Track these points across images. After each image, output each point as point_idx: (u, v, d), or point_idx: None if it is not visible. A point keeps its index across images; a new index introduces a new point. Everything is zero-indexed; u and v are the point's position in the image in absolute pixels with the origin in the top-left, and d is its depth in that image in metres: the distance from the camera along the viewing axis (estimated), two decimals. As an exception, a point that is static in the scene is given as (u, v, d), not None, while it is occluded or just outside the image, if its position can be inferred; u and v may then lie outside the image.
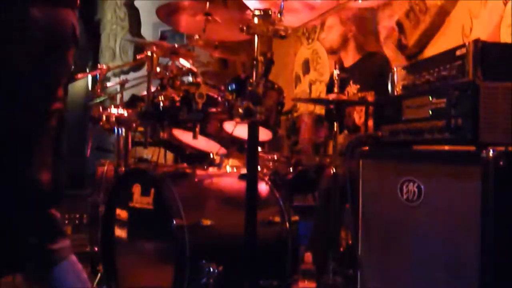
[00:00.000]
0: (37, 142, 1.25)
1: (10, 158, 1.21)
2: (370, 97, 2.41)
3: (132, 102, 2.75)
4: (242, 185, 2.10)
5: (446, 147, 1.60)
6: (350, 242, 2.34)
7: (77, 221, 4.15)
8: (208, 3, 2.45)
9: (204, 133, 2.45)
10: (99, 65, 3.25)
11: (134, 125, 2.74)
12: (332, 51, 3.15)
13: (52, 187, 1.28)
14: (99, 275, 2.77)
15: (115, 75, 5.69)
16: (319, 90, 4.21)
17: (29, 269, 1.28)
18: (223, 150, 2.54)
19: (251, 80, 1.65)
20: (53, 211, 1.28)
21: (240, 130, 2.35)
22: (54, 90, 1.29)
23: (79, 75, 3.46)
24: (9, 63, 1.18)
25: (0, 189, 1.20)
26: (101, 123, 2.82)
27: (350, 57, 3.05)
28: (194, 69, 2.56)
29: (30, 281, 1.31)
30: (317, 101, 3.21)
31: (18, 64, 1.19)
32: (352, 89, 2.89)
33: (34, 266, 1.27)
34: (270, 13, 1.62)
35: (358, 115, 2.71)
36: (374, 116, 1.95)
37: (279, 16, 1.64)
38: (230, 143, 2.55)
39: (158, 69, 2.53)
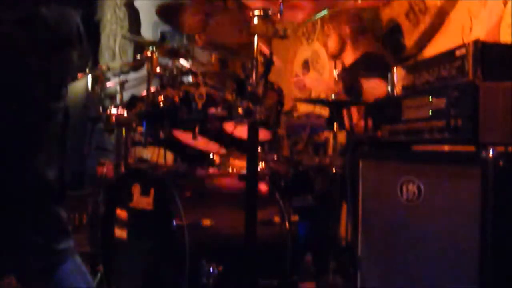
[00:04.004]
0: (44, 139, 1.26)
1: (17, 154, 1.21)
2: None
3: (132, 102, 2.75)
4: (242, 185, 2.11)
5: (446, 147, 1.60)
6: (350, 242, 2.34)
7: (77, 221, 4.15)
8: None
9: (204, 133, 2.44)
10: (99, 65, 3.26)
11: (134, 125, 2.73)
12: (333, 56, 3.19)
13: (58, 184, 1.28)
14: (99, 275, 2.77)
15: (114, 75, 5.68)
16: (319, 90, 4.21)
17: (32, 269, 1.28)
18: (223, 150, 2.54)
19: (251, 80, 1.66)
20: (58, 210, 1.28)
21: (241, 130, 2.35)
22: (60, 88, 1.30)
23: (79, 75, 3.45)
24: (17, 61, 1.18)
25: (7, 184, 1.20)
26: (101, 123, 2.82)
27: (348, 57, 3.09)
28: (194, 69, 2.56)
29: (32, 282, 1.31)
30: (317, 101, 3.21)
31: (26, 61, 1.20)
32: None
33: (37, 266, 1.27)
34: (270, 13, 1.63)
35: (347, 118, 2.75)
36: (368, 117, 1.94)
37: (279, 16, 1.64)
38: (230, 143, 2.55)
39: (158, 69, 2.53)
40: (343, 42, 3.09)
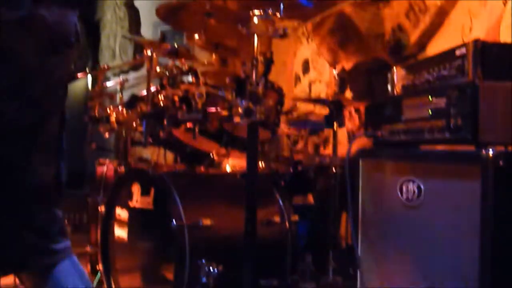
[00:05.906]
0: (41, 139, 1.26)
1: (15, 154, 1.21)
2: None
3: (132, 102, 2.75)
4: (242, 185, 2.10)
5: (446, 147, 1.60)
6: (350, 242, 2.35)
7: (77, 221, 4.15)
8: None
9: (204, 133, 2.44)
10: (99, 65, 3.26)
11: (134, 125, 2.73)
12: (332, 64, 3.22)
13: (55, 184, 1.28)
14: (99, 275, 2.77)
15: (114, 75, 5.68)
16: (319, 90, 4.21)
17: (31, 269, 1.28)
18: (223, 150, 2.54)
19: (251, 80, 1.65)
20: (55, 210, 1.29)
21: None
22: (57, 88, 1.30)
23: (79, 75, 3.45)
24: (16, 61, 1.18)
25: (4, 184, 1.20)
26: (101, 123, 2.82)
27: (345, 62, 3.12)
28: (194, 69, 2.56)
29: (30, 281, 1.31)
30: (317, 100, 3.21)
31: (24, 61, 1.20)
32: (348, 94, 2.93)
33: (35, 266, 1.27)
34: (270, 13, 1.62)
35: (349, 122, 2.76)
36: (370, 118, 1.94)
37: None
38: (230, 143, 2.55)
39: (158, 69, 2.53)
40: (334, 53, 3.11)
